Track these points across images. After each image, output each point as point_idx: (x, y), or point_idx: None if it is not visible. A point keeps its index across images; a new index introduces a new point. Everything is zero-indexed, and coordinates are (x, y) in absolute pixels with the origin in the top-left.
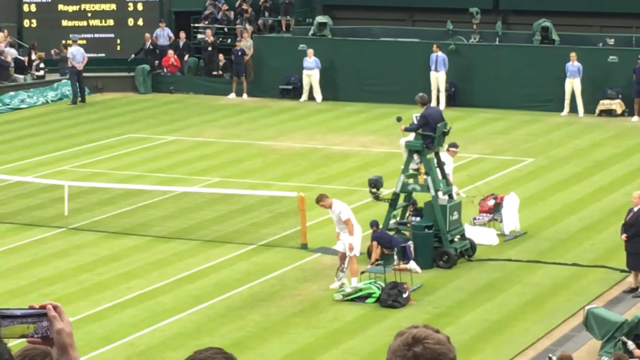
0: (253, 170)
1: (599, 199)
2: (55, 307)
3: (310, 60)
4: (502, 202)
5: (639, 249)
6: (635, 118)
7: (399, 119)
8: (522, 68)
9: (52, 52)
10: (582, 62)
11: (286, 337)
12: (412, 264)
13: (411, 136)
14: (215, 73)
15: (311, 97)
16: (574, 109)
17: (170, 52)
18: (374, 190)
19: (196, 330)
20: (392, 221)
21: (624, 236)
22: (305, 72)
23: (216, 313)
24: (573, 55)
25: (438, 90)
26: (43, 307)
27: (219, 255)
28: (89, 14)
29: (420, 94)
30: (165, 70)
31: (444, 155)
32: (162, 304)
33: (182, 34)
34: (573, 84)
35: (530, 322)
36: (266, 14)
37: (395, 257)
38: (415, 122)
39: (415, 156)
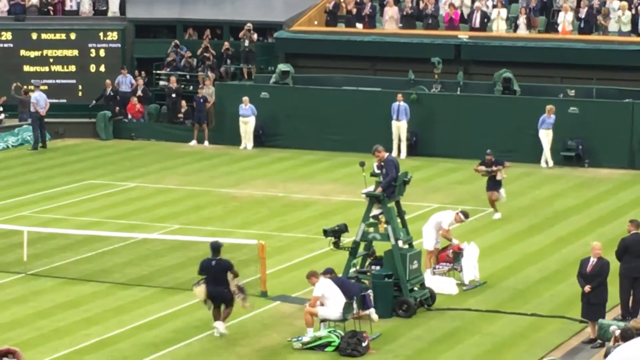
0: (213, 218)
1: (558, 249)
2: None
3: (246, 108)
4: (461, 252)
5: (602, 298)
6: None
7: (362, 164)
8: (483, 118)
9: (13, 86)
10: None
11: None
12: (372, 312)
13: (371, 187)
14: (179, 115)
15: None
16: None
17: (135, 99)
18: (334, 239)
19: None
20: (352, 270)
21: (587, 287)
22: (241, 119)
23: None
24: (550, 108)
25: (399, 140)
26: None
27: (178, 303)
28: (51, 60)
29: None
30: (130, 116)
31: (448, 214)
32: (121, 350)
33: (140, 81)
34: (547, 136)
35: None
36: (228, 61)
37: (355, 305)
38: (377, 170)
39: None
